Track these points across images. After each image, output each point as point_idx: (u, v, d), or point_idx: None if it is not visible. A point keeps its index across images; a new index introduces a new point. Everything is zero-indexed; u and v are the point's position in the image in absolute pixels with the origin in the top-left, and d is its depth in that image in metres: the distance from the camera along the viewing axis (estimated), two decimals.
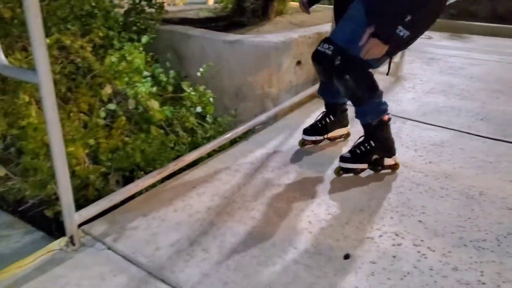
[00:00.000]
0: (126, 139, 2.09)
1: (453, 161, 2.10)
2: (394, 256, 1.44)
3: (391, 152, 1.99)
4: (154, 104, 2.13)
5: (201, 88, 2.33)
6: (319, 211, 1.71)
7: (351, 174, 1.97)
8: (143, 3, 2.80)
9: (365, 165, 1.97)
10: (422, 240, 1.51)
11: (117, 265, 1.41)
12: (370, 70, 1.86)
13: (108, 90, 2.19)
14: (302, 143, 2.26)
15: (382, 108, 1.94)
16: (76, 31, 2.21)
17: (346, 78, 1.80)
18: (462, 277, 1.35)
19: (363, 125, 1.98)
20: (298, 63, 2.81)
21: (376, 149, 1.94)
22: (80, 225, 1.54)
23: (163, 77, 2.45)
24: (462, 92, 3.11)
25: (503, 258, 1.43)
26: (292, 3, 4.37)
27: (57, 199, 1.94)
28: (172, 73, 2.43)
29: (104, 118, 2.23)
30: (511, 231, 1.57)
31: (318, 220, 1.65)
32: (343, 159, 1.96)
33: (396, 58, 4.11)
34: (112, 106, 2.28)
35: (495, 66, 3.87)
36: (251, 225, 1.62)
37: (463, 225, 1.60)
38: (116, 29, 2.50)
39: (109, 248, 1.50)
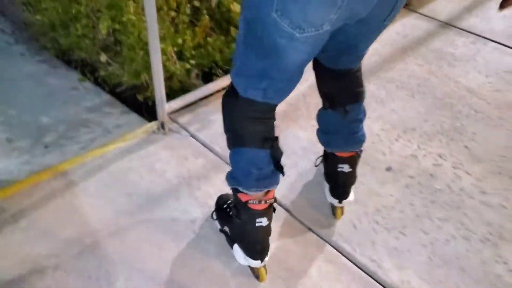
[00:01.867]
0: (208, 39, 2.31)
1: None
2: (431, 174, 1.63)
3: (245, 248, 1.28)
4: (236, 7, 2.27)
5: None
6: (373, 126, 1.88)
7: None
8: None
9: (218, 226, 1.41)
10: (462, 164, 1.67)
11: (198, 150, 1.76)
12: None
13: None
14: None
15: (236, 175, 1.23)
16: None
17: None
18: (487, 200, 1.53)
19: None
20: None
21: (229, 222, 1.33)
22: (169, 114, 1.89)
23: None
24: None
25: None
26: None
27: (148, 87, 2.29)
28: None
29: (189, 15, 2.44)
30: None
31: (371, 134, 1.84)
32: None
33: None
34: (197, 4, 2.46)
35: None
36: (310, 131, 1.86)
37: (506, 155, 1.71)
38: None
39: (191, 136, 1.84)
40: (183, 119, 1.92)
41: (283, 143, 1.78)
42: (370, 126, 1.88)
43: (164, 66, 2.20)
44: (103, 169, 1.65)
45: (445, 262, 1.36)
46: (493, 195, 1.56)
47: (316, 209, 1.51)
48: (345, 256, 1.37)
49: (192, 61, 2.29)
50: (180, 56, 2.39)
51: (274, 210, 1.25)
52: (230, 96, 1.14)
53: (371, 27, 1.07)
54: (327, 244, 1.40)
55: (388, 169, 1.67)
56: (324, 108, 1.32)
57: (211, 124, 1.89)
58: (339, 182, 1.40)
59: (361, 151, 1.38)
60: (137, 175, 1.63)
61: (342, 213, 1.48)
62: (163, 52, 2.17)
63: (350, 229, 1.45)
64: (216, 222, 1.40)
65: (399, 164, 1.69)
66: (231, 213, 1.28)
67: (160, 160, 1.71)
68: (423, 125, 1.89)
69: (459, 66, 2.30)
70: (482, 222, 1.47)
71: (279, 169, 1.17)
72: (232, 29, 2.38)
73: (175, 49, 2.20)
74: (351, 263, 1.35)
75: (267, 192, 1.20)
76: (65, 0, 2.33)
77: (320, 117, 1.39)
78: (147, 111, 2.27)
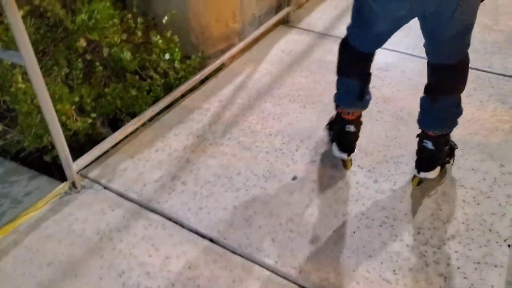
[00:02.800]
0: (106, 90, 2.34)
1: (393, 85, 2.41)
2: (331, 176, 1.84)
3: (339, 144, 1.90)
4: (127, 55, 2.34)
5: (168, 33, 2.51)
6: (275, 141, 2.06)
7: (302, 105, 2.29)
8: None
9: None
10: (354, 160, 1.89)
11: (114, 201, 1.79)
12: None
13: (82, 43, 2.38)
14: None
15: (337, 95, 1.84)
16: None
17: None
18: (379, 187, 1.76)
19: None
20: None
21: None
22: (79, 171, 1.89)
23: (131, 23, 2.61)
24: None
25: (413, 170, 1.83)
26: None
27: (53, 147, 2.26)
28: (139, 19, 2.58)
29: (82, 69, 2.45)
30: None
31: (274, 149, 2.01)
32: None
33: None
34: (88, 57, 2.48)
35: None
36: (220, 158, 1.98)
37: (389, 144, 1.98)
38: None
39: (105, 188, 1.86)
40: (94, 173, 1.93)
41: (196, 175, 1.89)
42: (272, 142, 2.06)
43: (65, 125, 2.20)
44: (18, 245, 1.61)
45: (354, 252, 1.54)
46: (383, 182, 1.80)
47: (237, 231, 1.63)
48: (269, 270, 1.50)
49: (94, 114, 2.30)
50: (81, 108, 2.39)
51: (361, 123, 1.82)
52: (344, 40, 1.70)
53: (443, 20, 1.39)
54: (251, 263, 1.52)
55: (294, 178, 1.84)
56: (423, 93, 1.69)
57: (123, 172, 1.93)
58: (422, 156, 1.72)
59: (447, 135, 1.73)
60: (56, 241, 1.62)
61: None
62: (62, 112, 2.17)
63: (269, 242, 1.58)
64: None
65: (303, 171, 1.87)
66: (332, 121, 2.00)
67: (77, 220, 1.71)
68: (317, 131, 2.10)
69: None
70: (378, 209, 1.69)
71: (361, 97, 1.74)
72: (128, 75, 2.44)
73: (74, 107, 2.20)
74: (276, 275, 1.48)
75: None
76: None
77: (421, 99, 1.72)
78: (58, 170, 2.23)
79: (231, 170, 1.91)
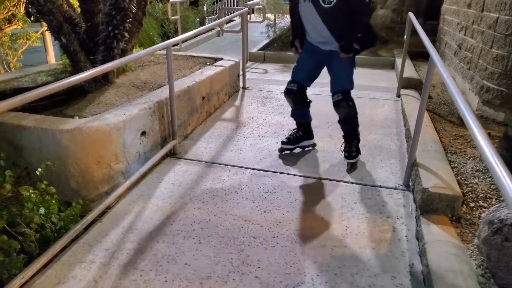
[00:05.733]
0: None
1: (282, 207, 2.50)
2: None
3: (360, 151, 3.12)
4: None
5: (43, 185, 2.32)
6: None
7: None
8: None
9: (356, 159, 3.04)
10: None
11: None
12: None
13: None
14: (281, 150, 3.25)
15: (358, 124, 3.09)
16: None
17: (344, 106, 2.88)
18: None
19: (349, 133, 3.05)
20: (143, 133, 2.97)
21: (357, 149, 3.05)
22: None
23: None
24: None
25: None
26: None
27: None
28: (8, 172, 2.36)
29: None
30: (323, 268, 1.98)
31: None
32: (345, 156, 3.02)
33: (237, 102, 4.56)
34: None
35: (316, 101, 4.53)
36: None
37: (289, 272, 1.96)
38: None
39: None
40: None
41: None
42: None
43: None
44: None
45: None
46: None
47: None
48: None
49: None
50: None
51: None
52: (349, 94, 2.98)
53: None
54: None
55: None
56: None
57: None
58: None
59: None
60: None
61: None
62: None
63: None
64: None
65: None
66: (355, 144, 3.07)
67: None
68: (216, 268, 2.01)
69: (230, 199, 2.62)
70: None
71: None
72: None
73: None
74: None
75: None
76: None
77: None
78: None
79: None
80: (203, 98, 3.96)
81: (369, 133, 3.56)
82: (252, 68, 6.34)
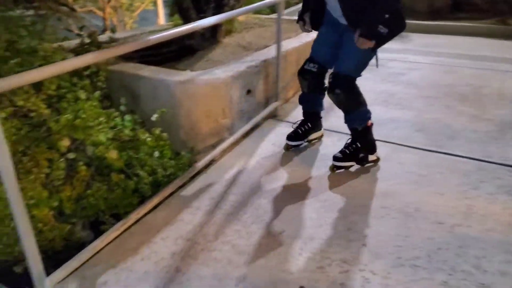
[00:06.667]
0: (88, 191, 2.17)
1: (388, 178, 2.31)
2: (341, 284, 1.63)
3: (373, 150, 2.43)
4: (112, 154, 2.22)
5: (157, 131, 2.44)
6: (274, 245, 1.87)
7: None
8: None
9: (353, 163, 2.39)
10: (365, 265, 1.70)
11: None
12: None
13: (65, 142, 2.26)
14: (287, 148, 2.69)
15: (367, 116, 2.35)
16: (28, 89, 2.26)
17: (337, 93, 2.22)
18: None
19: (350, 129, 2.39)
20: (249, 91, 2.96)
21: (362, 149, 2.38)
22: (54, 285, 1.63)
23: (118, 121, 2.53)
24: (400, 101, 3.36)
25: (433, 274, 1.64)
26: (239, 17, 4.48)
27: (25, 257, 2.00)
28: (127, 117, 2.51)
29: (64, 169, 2.29)
30: (441, 245, 1.79)
31: (274, 254, 1.81)
32: (336, 158, 2.38)
33: None
34: (71, 155, 2.34)
35: (430, 70, 4.15)
36: (213, 266, 1.76)
37: (401, 244, 1.81)
38: (66, 77, 2.55)
39: None
40: None
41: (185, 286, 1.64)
42: (270, 244, 1.86)
43: (42, 233, 1.98)
44: None
45: None
46: None
47: None
48: None
49: (74, 219, 2.10)
50: (60, 211, 2.19)
51: None
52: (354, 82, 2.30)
53: None
54: None
55: None
56: None
57: (103, 287, 1.68)
58: None
59: None
60: None
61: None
62: (38, 218, 1.96)
63: None
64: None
65: (309, 280, 1.66)
66: (357, 144, 2.38)
67: None
68: (319, 231, 1.93)
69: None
70: None
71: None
72: (113, 175, 2.29)
73: (52, 212, 2.01)
74: None
75: None
76: None
77: None
78: (29, 284, 1.96)
79: (227, 281, 1.69)
80: None
81: (497, 107, 3.13)
82: None
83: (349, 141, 2.41)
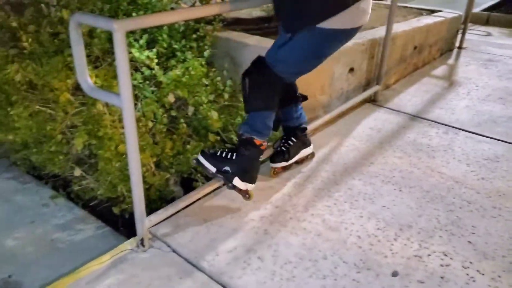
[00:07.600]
0: (187, 147, 2.26)
1: (508, 178, 2.08)
2: (442, 277, 1.50)
3: (245, 177, 1.84)
4: (214, 114, 2.28)
5: None
6: (368, 226, 1.78)
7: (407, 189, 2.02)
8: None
9: (213, 169, 1.87)
10: (471, 262, 1.55)
11: (182, 268, 1.58)
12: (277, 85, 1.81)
13: (171, 98, 2.36)
14: (273, 172, 2.15)
15: (258, 129, 1.83)
16: (143, 43, 2.39)
17: (245, 81, 1.79)
18: None
19: (238, 133, 1.94)
20: (351, 70, 2.85)
21: (230, 163, 1.84)
22: (149, 228, 1.72)
23: (220, 85, 2.58)
24: None
25: None
26: None
27: (125, 199, 2.15)
28: (229, 81, 2.56)
29: (166, 124, 2.41)
30: None
31: (367, 234, 1.73)
32: (202, 151, 1.92)
33: (450, 60, 4.01)
34: (174, 113, 2.45)
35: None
36: (302, 236, 1.73)
37: None
38: (177, 38, 2.66)
39: (173, 251, 1.67)
40: (164, 232, 1.76)
41: (275, 251, 1.64)
42: (365, 226, 1.78)
43: (143, 178, 2.10)
44: None
45: None
46: None
47: None
48: None
49: (172, 170, 2.20)
50: (158, 164, 2.31)
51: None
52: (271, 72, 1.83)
53: None
54: None
55: (394, 274, 1.52)
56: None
57: (195, 236, 1.74)
58: None
59: None
60: None
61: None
62: (143, 163, 2.08)
63: None
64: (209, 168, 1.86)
65: (405, 267, 1.56)
66: (233, 154, 1.85)
67: (141, 284, 1.50)
68: (419, 220, 1.80)
69: (438, 156, 2.32)
70: None
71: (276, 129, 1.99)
72: (210, 135, 2.36)
73: (154, 159, 2.12)
74: None
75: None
76: (39, 118, 2.27)
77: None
78: (124, 225, 2.10)
79: (315, 252, 1.65)
80: (415, 48, 3.58)
81: None
82: (471, 30, 5.48)
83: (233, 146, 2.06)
